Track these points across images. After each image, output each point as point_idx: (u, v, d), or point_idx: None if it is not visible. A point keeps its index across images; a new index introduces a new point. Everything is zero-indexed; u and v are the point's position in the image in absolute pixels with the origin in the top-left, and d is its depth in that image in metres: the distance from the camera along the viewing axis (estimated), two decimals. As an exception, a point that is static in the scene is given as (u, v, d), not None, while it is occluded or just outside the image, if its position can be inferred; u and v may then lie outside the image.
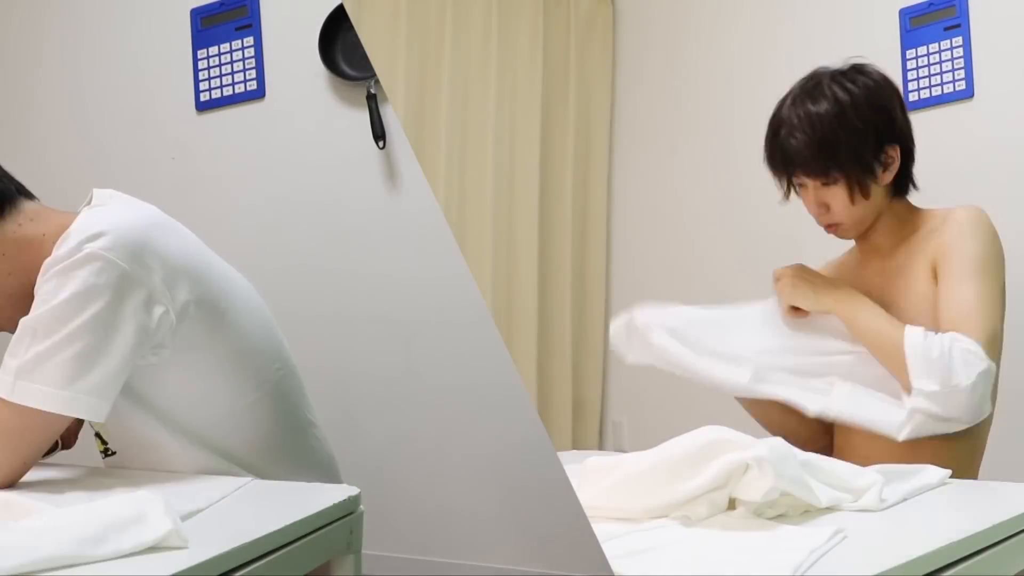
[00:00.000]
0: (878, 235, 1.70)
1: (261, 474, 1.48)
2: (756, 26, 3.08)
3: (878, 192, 1.64)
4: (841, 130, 1.59)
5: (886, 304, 1.61)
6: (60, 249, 1.35)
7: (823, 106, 1.60)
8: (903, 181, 1.67)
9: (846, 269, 1.77)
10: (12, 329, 1.37)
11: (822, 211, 1.66)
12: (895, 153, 1.63)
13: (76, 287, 1.32)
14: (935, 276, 1.60)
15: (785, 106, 1.65)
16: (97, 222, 1.39)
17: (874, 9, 2.82)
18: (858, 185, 1.61)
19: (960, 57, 2.64)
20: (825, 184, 1.62)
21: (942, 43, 2.66)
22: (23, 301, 1.37)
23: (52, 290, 1.33)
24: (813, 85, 1.64)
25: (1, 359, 1.36)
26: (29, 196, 1.50)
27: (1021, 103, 2.57)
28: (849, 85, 1.61)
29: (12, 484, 1.34)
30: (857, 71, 1.64)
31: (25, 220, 1.45)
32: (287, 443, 1.61)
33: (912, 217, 1.69)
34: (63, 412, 1.32)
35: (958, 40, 2.64)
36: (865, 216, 1.65)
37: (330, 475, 1.68)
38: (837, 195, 1.62)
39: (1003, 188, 2.58)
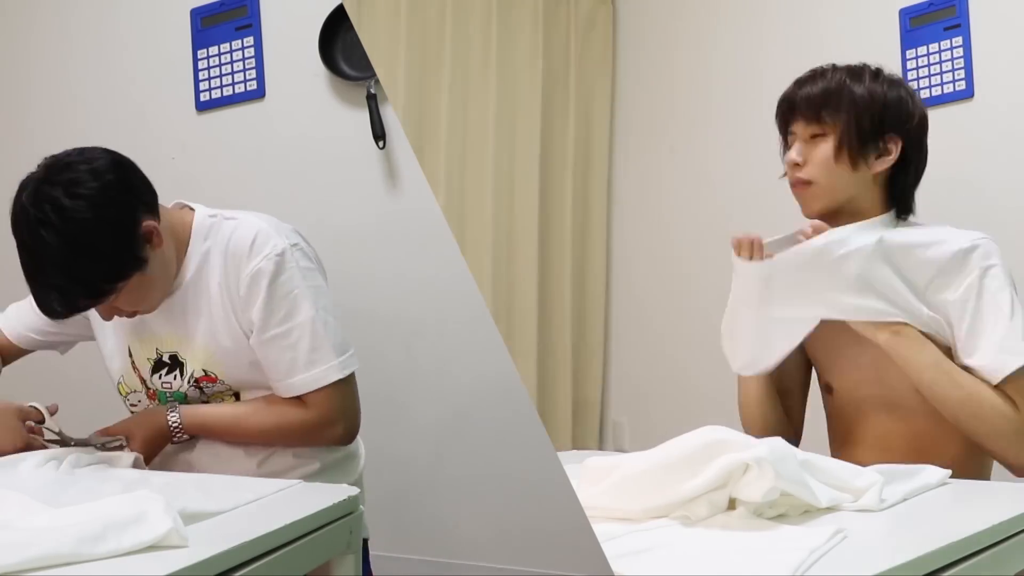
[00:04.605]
0: None
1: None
2: (756, 26, 3.08)
3: (863, 177, 1.58)
4: (848, 87, 1.57)
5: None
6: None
7: (838, 74, 1.60)
8: (896, 192, 1.60)
9: None
10: (154, 307, 1.65)
11: (798, 166, 1.59)
12: (895, 145, 1.57)
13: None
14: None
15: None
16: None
17: (874, 9, 2.81)
18: (847, 146, 1.56)
19: (960, 57, 2.64)
20: (814, 137, 1.58)
21: (942, 43, 2.66)
22: (173, 275, 1.66)
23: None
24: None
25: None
26: None
27: (1021, 103, 2.57)
28: (870, 76, 1.60)
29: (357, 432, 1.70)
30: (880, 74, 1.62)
31: (165, 212, 1.66)
32: None
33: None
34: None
35: (958, 40, 2.64)
36: (839, 186, 1.57)
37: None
38: (821, 151, 1.57)
39: (1003, 188, 2.58)
